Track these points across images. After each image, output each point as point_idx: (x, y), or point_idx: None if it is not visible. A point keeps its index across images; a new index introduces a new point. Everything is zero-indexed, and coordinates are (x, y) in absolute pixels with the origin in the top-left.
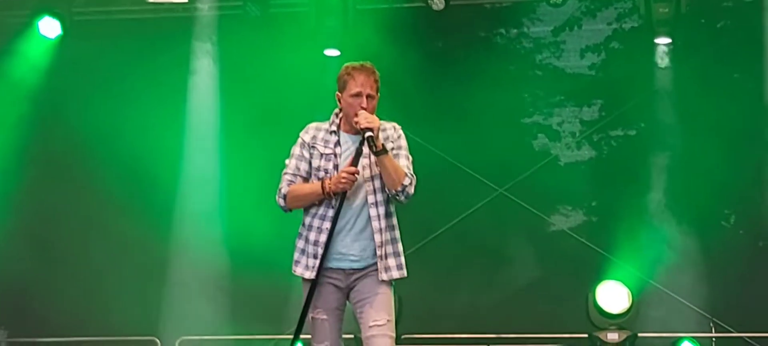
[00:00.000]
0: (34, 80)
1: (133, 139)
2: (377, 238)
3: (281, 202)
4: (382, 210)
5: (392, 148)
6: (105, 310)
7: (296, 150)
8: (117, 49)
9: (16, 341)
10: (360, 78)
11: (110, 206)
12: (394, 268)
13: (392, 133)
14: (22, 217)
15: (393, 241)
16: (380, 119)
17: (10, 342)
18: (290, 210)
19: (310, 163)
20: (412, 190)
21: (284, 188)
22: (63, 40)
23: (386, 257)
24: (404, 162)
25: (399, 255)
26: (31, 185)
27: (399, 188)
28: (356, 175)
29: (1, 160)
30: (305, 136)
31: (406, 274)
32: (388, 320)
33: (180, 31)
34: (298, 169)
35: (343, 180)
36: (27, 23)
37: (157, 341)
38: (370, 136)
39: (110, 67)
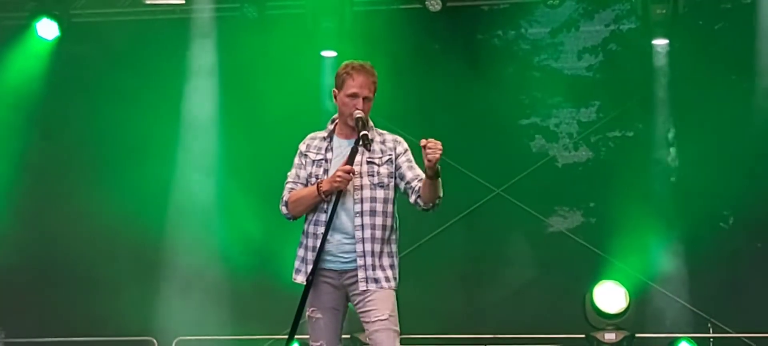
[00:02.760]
0: (32, 82)
1: (130, 140)
2: (358, 247)
3: (284, 209)
4: (368, 220)
5: (386, 158)
6: (102, 310)
7: (295, 160)
8: (114, 51)
9: (13, 342)
10: (359, 79)
11: (107, 206)
12: (380, 279)
13: (392, 145)
14: (18, 218)
15: (382, 254)
16: (379, 126)
17: (7, 342)
18: (294, 218)
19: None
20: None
21: (285, 196)
22: (61, 41)
23: (369, 268)
24: (416, 171)
25: (386, 268)
26: (27, 185)
27: (436, 202)
28: (352, 173)
29: None
30: (302, 146)
31: (393, 285)
32: (390, 315)
33: (177, 33)
34: (298, 176)
35: (338, 179)
36: (25, 25)
37: (154, 341)
38: (365, 135)
39: (108, 69)
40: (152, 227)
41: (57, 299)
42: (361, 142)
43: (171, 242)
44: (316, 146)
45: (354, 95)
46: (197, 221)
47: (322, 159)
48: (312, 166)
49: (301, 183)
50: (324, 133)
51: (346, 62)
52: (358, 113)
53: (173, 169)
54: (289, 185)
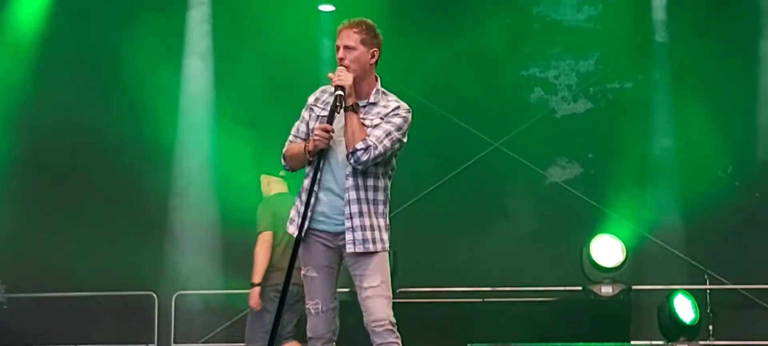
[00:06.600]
0: (30, 39)
1: (129, 96)
2: (346, 209)
3: (282, 161)
4: (355, 181)
5: (378, 121)
6: (103, 266)
7: (302, 112)
8: (112, 7)
9: (14, 297)
10: (340, 34)
11: (107, 163)
12: (368, 241)
13: (388, 109)
14: (17, 173)
15: (370, 213)
16: (393, 94)
17: (8, 296)
18: (292, 169)
19: (308, 125)
20: (364, 157)
21: (284, 148)
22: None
23: (357, 229)
24: (377, 131)
25: (375, 229)
26: (26, 141)
27: (350, 150)
28: (331, 132)
29: None
30: (311, 98)
31: (380, 249)
32: (382, 282)
33: None
34: (298, 130)
35: (316, 138)
36: None
37: (155, 295)
38: (340, 95)
39: (105, 25)
40: (153, 183)
41: (58, 255)
42: (336, 102)
43: (171, 198)
44: (324, 101)
45: (337, 49)
46: (196, 176)
47: (326, 115)
48: (316, 121)
49: (300, 137)
50: (333, 88)
51: None
52: (337, 82)
53: (173, 124)
54: (290, 138)
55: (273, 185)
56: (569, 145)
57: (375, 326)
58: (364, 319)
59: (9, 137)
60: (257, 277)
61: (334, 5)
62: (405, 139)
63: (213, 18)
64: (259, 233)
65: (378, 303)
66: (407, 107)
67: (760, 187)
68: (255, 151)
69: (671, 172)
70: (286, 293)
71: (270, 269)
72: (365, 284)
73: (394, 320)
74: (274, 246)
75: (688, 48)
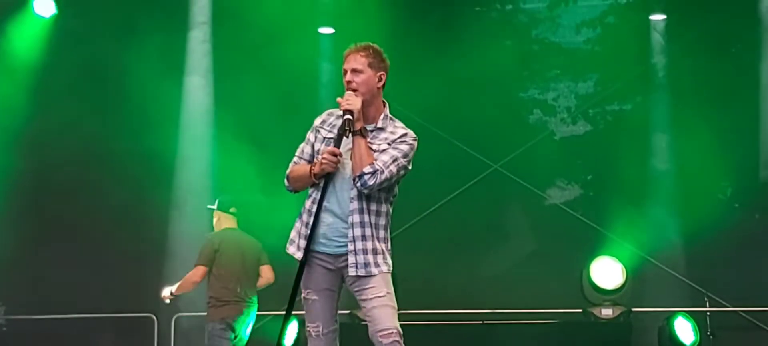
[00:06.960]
0: (30, 59)
1: (130, 115)
2: (349, 232)
3: (286, 182)
4: (359, 204)
5: (385, 147)
6: (102, 287)
7: (308, 133)
8: (112, 26)
9: (13, 319)
10: (347, 58)
11: (107, 183)
12: (370, 264)
13: (395, 135)
14: (18, 194)
15: (373, 237)
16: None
17: (7, 319)
18: (295, 191)
19: (313, 147)
20: (371, 181)
21: (288, 170)
22: (57, 18)
23: (359, 253)
24: (384, 156)
25: (379, 253)
26: (27, 161)
27: (357, 173)
28: (339, 156)
29: None
30: (317, 120)
31: (385, 271)
32: (387, 292)
33: (175, 7)
34: (303, 152)
35: (324, 161)
36: (21, 2)
37: (154, 318)
38: (348, 119)
39: (105, 44)
40: (154, 203)
41: (58, 276)
42: (344, 126)
43: (172, 219)
44: (330, 124)
45: (344, 73)
46: (198, 197)
47: (332, 138)
48: (322, 144)
49: (305, 159)
50: (341, 111)
51: None
52: (345, 106)
53: (174, 143)
54: (294, 159)
55: (223, 221)
56: (568, 167)
57: (382, 337)
58: (370, 330)
59: (10, 158)
60: (176, 289)
61: (334, 28)
62: (410, 167)
63: (214, 38)
64: (196, 264)
65: (385, 312)
66: (414, 135)
67: (759, 209)
68: (255, 174)
69: (671, 194)
70: (292, 306)
71: (218, 304)
72: (371, 295)
73: (401, 332)
74: (212, 280)
75: (688, 70)
